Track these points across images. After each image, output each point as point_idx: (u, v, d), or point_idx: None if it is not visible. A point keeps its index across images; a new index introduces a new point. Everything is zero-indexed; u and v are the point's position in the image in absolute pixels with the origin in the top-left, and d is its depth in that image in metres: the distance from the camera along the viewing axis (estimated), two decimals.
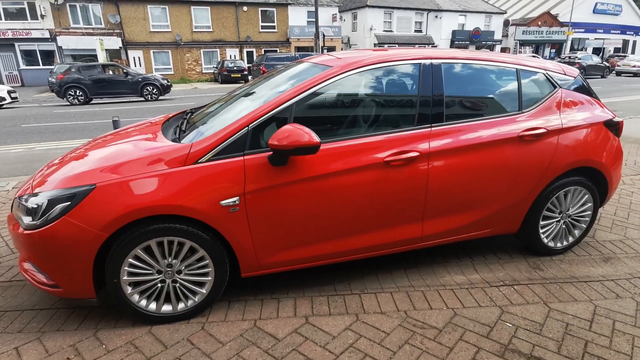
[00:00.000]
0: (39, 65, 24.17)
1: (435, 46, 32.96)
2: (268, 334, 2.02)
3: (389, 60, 2.30)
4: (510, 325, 2.08)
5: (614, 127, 2.70)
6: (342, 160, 2.12)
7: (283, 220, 2.09)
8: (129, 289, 2.02)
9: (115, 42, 24.85)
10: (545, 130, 2.45)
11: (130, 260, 1.96)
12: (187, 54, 27.73)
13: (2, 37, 22.88)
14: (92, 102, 14.97)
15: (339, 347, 1.92)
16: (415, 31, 33.78)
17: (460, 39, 34.74)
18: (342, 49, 32.38)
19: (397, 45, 32.92)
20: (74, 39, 23.97)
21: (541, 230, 2.69)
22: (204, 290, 2.13)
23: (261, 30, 29.29)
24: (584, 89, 2.70)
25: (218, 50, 28.51)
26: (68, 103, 14.34)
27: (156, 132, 2.41)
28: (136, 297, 2.05)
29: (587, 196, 2.70)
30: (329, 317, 2.16)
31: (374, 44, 32.37)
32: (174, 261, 2.04)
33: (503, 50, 37.26)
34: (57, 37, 23.82)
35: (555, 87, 2.59)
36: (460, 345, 1.92)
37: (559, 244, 2.79)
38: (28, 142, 7.36)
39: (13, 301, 2.35)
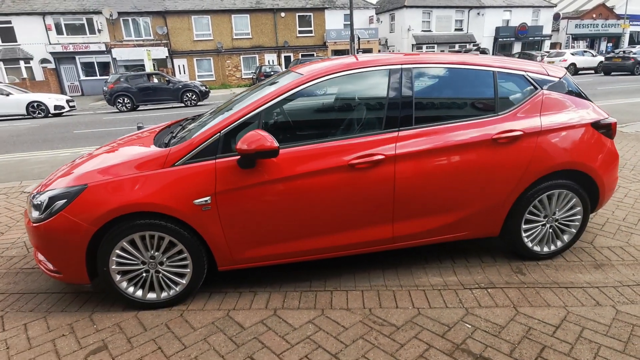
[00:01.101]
0: (96, 75, 26.35)
1: (478, 44, 31.79)
2: (236, 323, 2.20)
3: (358, 67, 2.40)
4: (470, 326, 2.10)
5: (604, 128, 2.60)
6: (308, 163, 2.25)
7: (252, 219, 2.26)
8: (118, 277, 2.28)
9: (162, 52, 26.51)
10: (521, 133, 2.43)
11: (117, 251, 2.22)
12: (228, 61, 28.93)
13: (65, 50, 25.22)
14: (139, 108, 16.12)
15: (296, 338, 2.06)
16: (456, 30, 32.84)
17: (504, 35, 33.30)
18: (379, 51, 32.20)
19: (435, 46, 32.19)
20: (126, 51, 25.89)
21: (524, 234, 2.64)
22: (184, 281, 2.35)
23: (298, 35, 29.89)
24: (570, 90, 2.63)
25: (257, 56, 29.47)
26: (117, 110, 15.56)
27: (151, 139, 2.68)
28: (124, 284, 2.31)
29: (574, 200, 2.62)
30: (297, 310, 2.30)
31: (412, 45, 31.87)
32: (156, 254, 2.28)
33: (553, 45, 35.17)
34: (112, 50, 25.85)
35: (536, 88, 2.55)
36: (412, 343, 1.98)
37: (545, 249, 2.72)
38: (75, 147, 8.14)
39: (32, 285, 2.71)
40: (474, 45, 31.36)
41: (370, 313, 2.24)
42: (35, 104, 14.54)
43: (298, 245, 2.38)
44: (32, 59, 25.28)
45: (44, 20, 24.94)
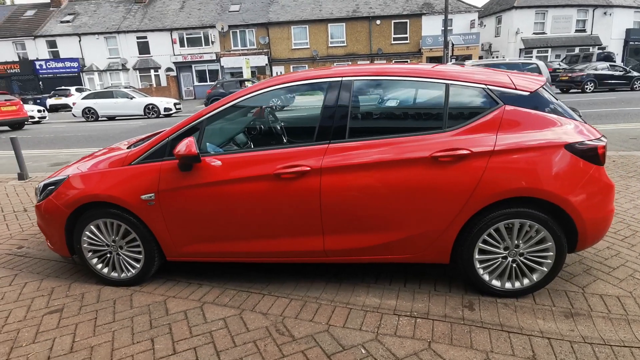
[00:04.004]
0: (207, 81, 29.87)
1: (603, 48, 27.40)
2: (165, 309, 2.45)
3: (298, 79, 2.45)
4: (364, 352, 1.99)
5: (585, 152, 2.18)
6: (240, 169, 2.39)
7: (189, 216, 2.48)
8: (89, 254, 2.72)
9: (262, 60, 28.83)
10: (468, 152, 2.19)
11: (87, 232, 2.65)
12: None
13: (184, 60, 29.18)
14: None
15: (200, 330, 2.21)
16: (577, 31, 28.78)
17: (636, 38, 28.09)
18: (480, 57, 30.03)
19: (549, 50, 28.75)
20: (232, 59, 28.81)
21: (478, 265, 2.36)
22: (138, 266, 2.69)
23: (393, 42, 29.61)
24: (544, 106, 2.26)
25: (350, 62, 29.99)
26: None
27: (132, 142, 3.11)
28: (94, 261, 2.74)
29: (543, 234, 2.25)
30: (220, 307, 2.45)
31: (520, 50, 28.96)
32: (116, 238, 2.66)
33: None
34: (221, 59, 29.01)
35: (497, 103, 2.27)
36: (294, 356, 1.97)
37: (508, 285, 2.38)
38: None
39: (50, 253, 3.35)
40: (599, 48, 27.08)
41: (281, 321, 2.28)
42: (150, 106, 17.20)
43: (233, 246, 2.53)
44: (160, 67, 29.84)
45: (171, 35, 29.25)
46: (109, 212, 2.57)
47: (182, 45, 29.53)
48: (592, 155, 2.19)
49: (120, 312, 2.43)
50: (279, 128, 2.83)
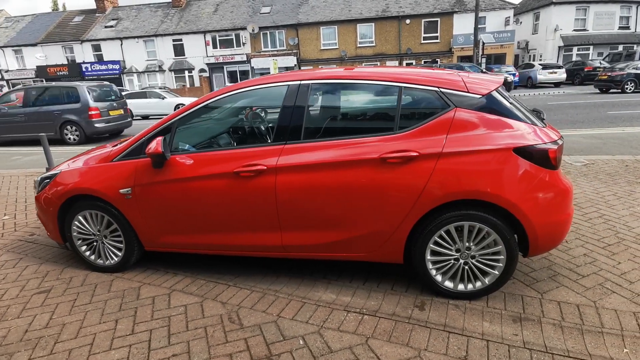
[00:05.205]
0: (237, 82, 30.51)
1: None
2: (137, 294, 2.66)
3: (260, 83, 2.58)
4: (302, 342, 2.09)
5: (535, 156, 2.16)
6: (205, 167, 2.55)
7: (161, 210, 2.68)
8: (78, 242, 2.99)
9: (291, 61, 29.20)
10: (416, 154, 2.23)
11: (76, 222, 2.92)
12: None
13: (216, 61, 30.11)
14: None
15: (161, 315, 2.39)
16: (620, 28, 27.04)
17: None
18: (515, 56, 28.95)
19: (591, 47, 27.22)
20: (262, 60, 29.40)
21: (430, 266, 2.39)
22: (120, 254, 2.93)
23: (423, 41, 29.10)
24: (495, 109, 2.25)
25: (379, 63, 29.77)
26: None
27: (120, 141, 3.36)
28: (83, 248, 3.01)
29: (493, 237, 2.25)
30: (186, 295, 2.63)
31: (559, 47, 27.60)
32: (101, 228, 2.91)
33: None
34: (251, 60, 29.69)
35: (448, 106, 2.29)
36: (236, 343, 2.10)
37: (460, 287, 2.40)
38: None
39: (53, 241, 3.68)
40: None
41: (236, 311, 2.42)
42: (180, 105, 17.96)
43: (201, 239, 2.70)
44: (193, 69, 30.98)
45: (204, 37, 30.30)
46: (94, 204, 2.82)
47: (214, 46, 30.51)
48: (543, 159, 2.17)
49: (97, 295, 2.66)
50: (262, 128, 2.98)
